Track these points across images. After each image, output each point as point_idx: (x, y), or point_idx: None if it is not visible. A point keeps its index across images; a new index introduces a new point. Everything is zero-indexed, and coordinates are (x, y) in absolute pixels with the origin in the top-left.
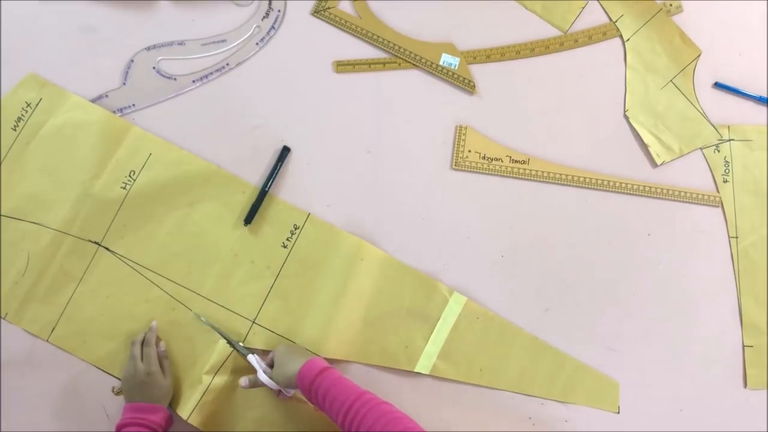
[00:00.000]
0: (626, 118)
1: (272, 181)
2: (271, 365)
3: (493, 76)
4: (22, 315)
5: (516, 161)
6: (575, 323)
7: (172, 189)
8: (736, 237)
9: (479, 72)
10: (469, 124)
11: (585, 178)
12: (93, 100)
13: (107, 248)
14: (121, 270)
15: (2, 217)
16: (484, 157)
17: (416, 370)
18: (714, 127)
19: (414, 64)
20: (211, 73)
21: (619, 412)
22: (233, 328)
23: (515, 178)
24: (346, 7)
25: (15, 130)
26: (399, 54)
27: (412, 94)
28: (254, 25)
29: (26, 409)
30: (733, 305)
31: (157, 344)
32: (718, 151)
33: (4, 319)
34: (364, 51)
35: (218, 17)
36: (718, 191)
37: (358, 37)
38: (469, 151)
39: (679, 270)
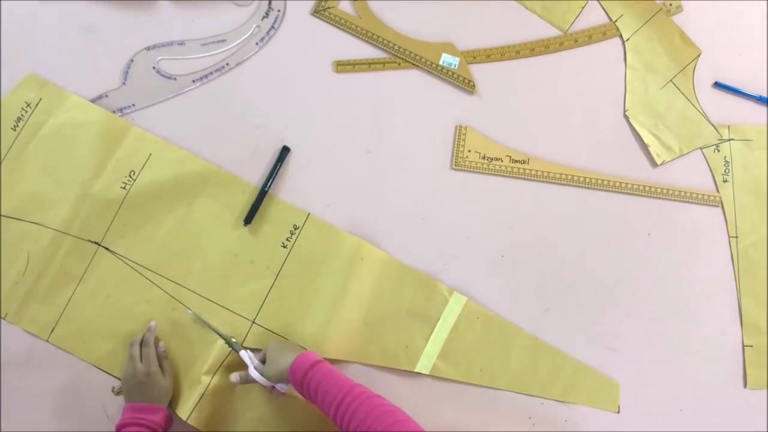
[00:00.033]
0: (626, 118)
1: (272, 181)
2: (263, 361)
3: (493, 76)
4: (22, 315)
5: (516, 161)
6: (575, 323)
7: (171, 189)
8: (736, 237)
9: (479, 72)
10: (469, 124)
11: (585, 178)
12: (93, 100)
13: (107, 248)
14: (121, 270)
15: (2, 217)
16: (484, 157)
17: (416, 370)
18: (714, 126)
19: (414, 64)
20: (211, 73)
21: (619, 412)
22: (233, 328)
23: (515, 178)
24: (346, 7)
25: (15, 130)
26: (399, 54)
27: (412, 94)
28: (254, 25)
29: (26, 409)
30: (733, 305)
31: (156, 344)
32: (718, 151)
33: (4, 319)
34: (364, 51)
35: (218, 17)
36: (718, 191)
37: (358, 37)
38: (469, 151)
39: (679, 270)
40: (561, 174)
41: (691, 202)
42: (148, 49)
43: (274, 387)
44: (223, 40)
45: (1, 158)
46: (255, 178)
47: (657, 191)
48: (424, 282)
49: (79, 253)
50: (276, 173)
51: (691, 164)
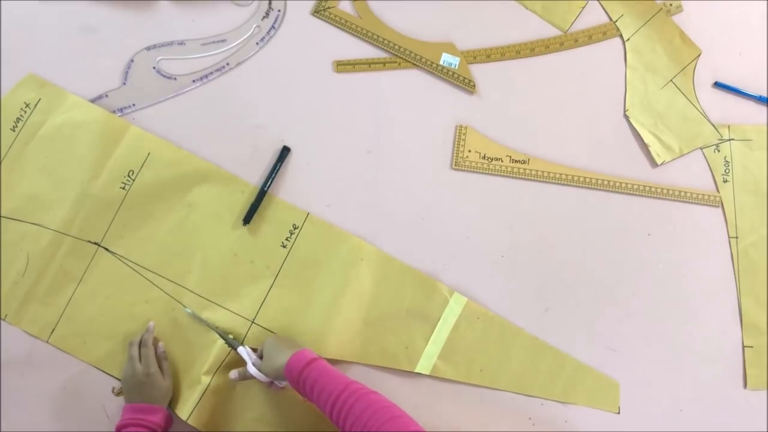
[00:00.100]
0: (626, 117)
1: (272, 181)
2: (261, 357)
3: (493, 76)
4: (22, 316)
5: (516, 161)
6: (575, 323)
7: (171, 189)
8: (736, 237)
9: (479, 72)
10: (469, 124)
11: (585, 178)
12: (93, 100)
13: (107, 248)
14: (121, 270)
15: (2, 217)
16: (484, 157)
17: (416, 370)
18: (714, 126)
19: (414, 64)
20: (211, 73)
21: (619, 413)
22: (233, 328)
23: (515, 178)
24: (346, 7)
25: (14, 131)
26: (399, 54)
27: (412, 94)
28: (254, 25)
29: (26, 409)
30: (733, 305)
31: (156, 345)
32: (718, 151)
33: (4, 320)
34: (364, 51)
35: (218, 17)
36: (718, 191)
37: (358, 37)
38: (469, 151)
39: (679, 270)
40: (561, 174)
41: (691, 202)
42: (148, 49)
43: (272, 382)
44: (224, 40)
45: (1, 158)
46: (255, 178)
47: (657, 191)
48: (424, 282)
49: (78, 253)
50: (276, 173)
51: (691, 164)
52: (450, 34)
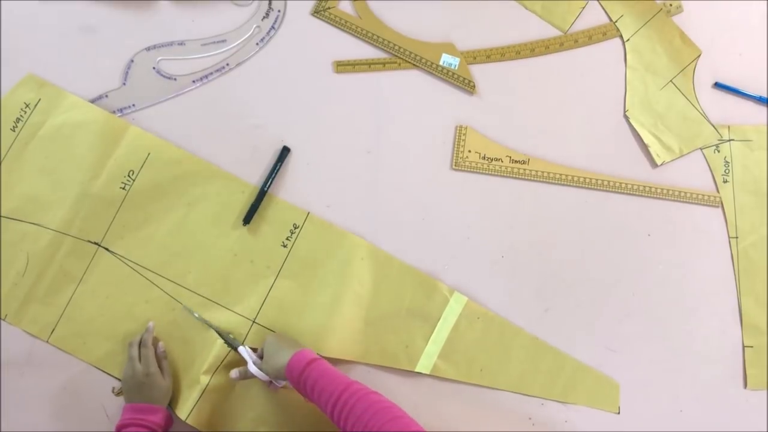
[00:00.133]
0: (626, 118)
1: (272, 181)
2: (261, 357)
3: (493, 76)
4: (22, 316)
5: (516, 161)
6: (575, 323)
7: (171, 189)
8: (736, 237)
9: (479, 72)
10: (469, 124)
11: (585, 178)
12: (93, 101)
13: (107, 248)
14: (121, 270)
15: (2, 218)
16: (484, 157)
17: (417, 369)
18: (714, 127)
19: (414, 64)
20: (211, 73)
21: (619, 413)
22: (233, 328)
23: (515, 178)
24: (346, 7)
25: (14, 131)
26: (399, 54)
27: (412, 94)
28: (254, 25)
29: (26, 409)
30: (733, 305)
31: (156, 345)
32: (718, 151)
33: (4, 320)
34: (364, 51)
35: (218, 17)
36: (718, 191)
37: (358, 37)
38: (469, 151)
39: (679, 270)
40: (561, 174)
41: (691, 203)
42: (148, 49)
43: (271, 382)
44: (224, 41)
45: (1, 159)
46: (255, 178)
47: (657, 191)
48: (424, 281)
49: (78, 253)
50: (276, 173)
51: (691, 164)
52: (450, 34)
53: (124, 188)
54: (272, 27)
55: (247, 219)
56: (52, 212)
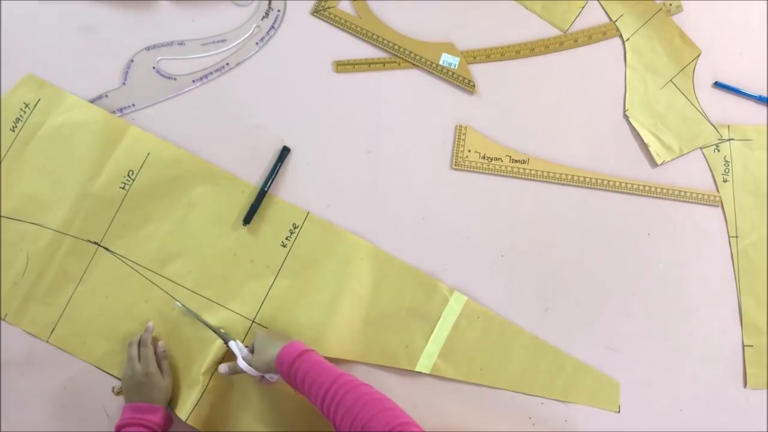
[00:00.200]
0: (626, 117)
1: (272, 181)
2: (253, 352)
3: (493, 76)
4: (22, 316)
5: (516, 161)
6: (575, 323)
7: (170, 189)
8: (736, 237)
9: (479, 72)
10: (469, 124)
11: (585, 178)
12: (93, 100)
13: (106, 248)
14: (121, 270)
15: (1, 218)
16: (484, 157)
17: (417, 369)
18: (714, 126)
19: (414, 64)
20: (211, 73)
21: (619, 412)
22: (233, 328)
23: (515, 178)
24: (346, 7)
25: (13, 131)
26: (399, 54)
27: (412, 94)
28: (254, 25)
29: (26, 409)
30: (733, 305)
31: (156, 344)
32: (718, 151)
33: (4, 320)
34: (364, 51)
35: (218, 17)
36: (718, 191)
37: (358, 37)
38: (469, 150)
39: (679, 270)
40: (561, 174)
41: (691, 202)
42: (148, 49)
43: (263, 377)
44: (223, 40)
45: (1, 159)
46: (255, 178)
47: (657, 191)
48: (424, 281)
49: (78, 253)
50: (276, 173)
51: (691, 164)
52: (450, 34)
53: (123, 188)
54: (272, 27)
55: (248, 219)
56: (51, 212)
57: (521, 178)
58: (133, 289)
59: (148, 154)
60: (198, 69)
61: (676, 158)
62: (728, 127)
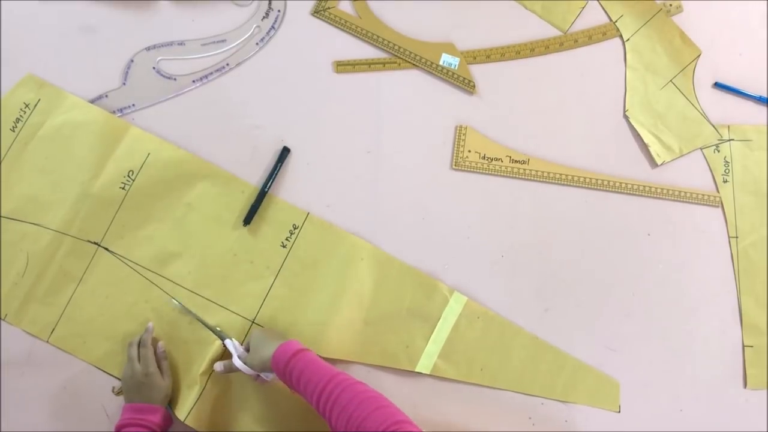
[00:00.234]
0: (626, 118)
1: (272, 182)
2: (248, 350)
3: (493, 76)
4: (22, 316)
5: (516, 161)
6: (575, 323)
7: (171, 189)
8: (736, 237)
9: (479, 72)
10: (469, 124)
11: (585, 178)
12: (93, 101)
13: (106, 248)
14: (121, 270)
15: (1, 218)
16: (484, 157)
17: (417, 369)
18: (714, 127)
19: (414, 64)
20: (211, 73)
21: (620, 412)
22: (233, 328)
23: (515, 178)
24: (346, 7)
25: (13, 131)
26: (399, 54)
27: (412, 94)
28: (254, 25)
29: (26, 409)
30: (733, 305)
31: (156, 344)
32: (718, 151)
33: (4, 320)
34: (364, 51)
35: (218, 17)
36: (718, 191)
37: (358, 37)
38: (469, 151)
39: (679, 270)
40: (561, 174)
41: (691, 202)
42: (148, 49)
43: (258, 376)
44: (223, 41)
45: (1, 159)
46: (255, 178)
47: (657, 191)
48: (424, 281)
49: (78, 253)
50: (276, 173)
51: (691, 164)
52: (450, 34)
53: (123, 188)
54: (272, 27)
55: (248, 219)
56: (51, 212)
57: (521, 179)
58: (133, 290)
59: (148, 154)
60: (198, 69)
61: (676, 158)
62: (728, 127)
